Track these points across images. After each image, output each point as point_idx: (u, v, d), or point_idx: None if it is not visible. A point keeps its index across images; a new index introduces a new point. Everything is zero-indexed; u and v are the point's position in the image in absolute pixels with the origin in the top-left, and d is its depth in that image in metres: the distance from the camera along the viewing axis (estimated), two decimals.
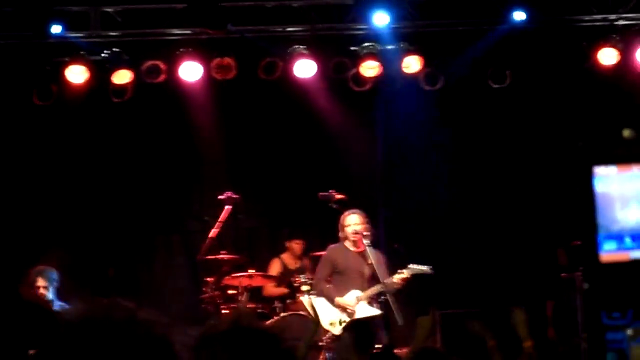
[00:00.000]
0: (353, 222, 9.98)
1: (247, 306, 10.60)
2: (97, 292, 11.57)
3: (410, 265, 9.83)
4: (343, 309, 9.86)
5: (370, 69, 11.43)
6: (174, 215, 12.57)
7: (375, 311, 9.88)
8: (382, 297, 9.92)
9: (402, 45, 11.46)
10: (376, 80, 11.56)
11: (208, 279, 10.82)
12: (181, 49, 11.32)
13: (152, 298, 11.67)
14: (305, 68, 11.40)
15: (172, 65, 11.33)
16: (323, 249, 10.47)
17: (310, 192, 11.07)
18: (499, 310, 11.46)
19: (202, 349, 2.41)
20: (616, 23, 11.44)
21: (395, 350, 9.76)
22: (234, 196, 11.07)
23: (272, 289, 11.32)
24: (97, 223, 12.19)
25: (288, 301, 10.82)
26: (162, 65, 11.30)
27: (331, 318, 9.86)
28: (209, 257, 10.83)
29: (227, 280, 10.74)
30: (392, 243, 10.49)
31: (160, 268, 12.53)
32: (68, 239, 11.91)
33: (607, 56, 11.34)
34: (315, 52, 11.39)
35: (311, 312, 10.02)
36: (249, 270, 10.76)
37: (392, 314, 9.61)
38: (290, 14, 11.45)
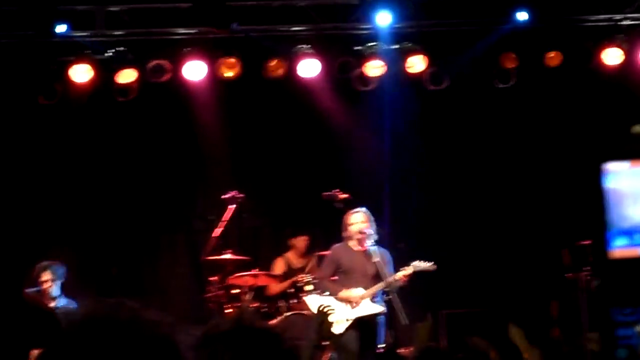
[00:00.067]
0: (357, 220, 9.99)
1: (251, 305, 10.61)
2: (101, 291, 11.59)
3: (414, 262, 9.87)
4: (347, 302, 9.87)
5: (375, 68, 11.43)
6: (178, 214, 12.58)
7: (378, 308, 9.89)
8: (387, 297, 9.93)
9: (406, 44, 11.46)
10: (381, 79, 11.56)
11: (212, 279, 10.82)
12: (186, 49, 11.32)
13: (156, 297, 11.69)
14: (309, 67, 11.40)
15: (177, 64, 11.33)
16: (327, 249, 10.47)
17: (315, 191, 11.07)
18: (504, 310, 11.45)
19: (204, 348, 2.41)
20: (621, 23, 11.43)
21: (400, 350, 9.77)
22: (238, 195, 11.08)
23: (275, 286, 11.31)
24: (101, 222, 12.20)
25: (292, 301, 10.81)
26: (167, 65, 11.30)
27: (334, 316, 9.85)
28: (213, 257, 10.83)
29: (232, 280, 10.74)
30: (396, 242, 10.48)
31: (165, 267, 12.52)
32: (72, 238, 11.91)
33: (612, 56, 11.33)
34: (320, 52, 11.39)
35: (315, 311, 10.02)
36: (254, 270, 10.76)
37: (396, 313, 9.62)
38: (295, 14, 11.45)
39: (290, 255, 11.72)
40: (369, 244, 9.90)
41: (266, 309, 10.79)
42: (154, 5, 11.32)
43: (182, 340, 2.04)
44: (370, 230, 9.94)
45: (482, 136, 12.47)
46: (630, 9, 11.38)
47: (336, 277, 10.11)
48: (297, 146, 12.51)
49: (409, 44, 11.45)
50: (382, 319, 9.96)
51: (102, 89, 11.41)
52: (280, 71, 11.44)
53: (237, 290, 10.78)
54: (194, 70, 11.36)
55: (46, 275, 9.96)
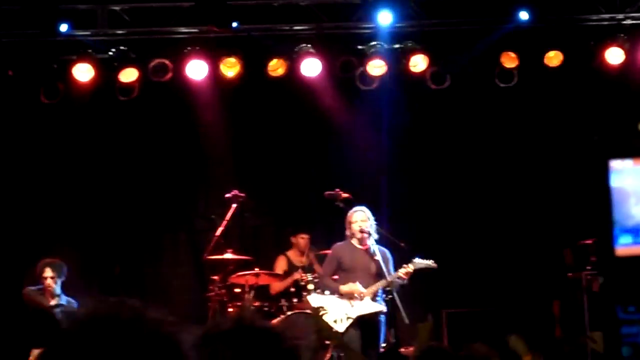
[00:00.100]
0: (359, 219, 10.03)
1: (253, 304, 10.61)
2: (103, 289, 11.61)
3: (415, 260, 9.91)
4: (350, 297, 9.89)
5: (376, 67, 11.42)
6: (180, 213, 12.58)
7: (379, 307, 9.91)
8: (388, 296, 9.94)
9: (408, 44, 11.46)
10: (382, 79, 11.55)
11: (214, 277, 10.83)
12: (188, 48, 11.32)
13: (158, 296, 11.69)
14: (311, 67, 11.40)
15: (179, 63, 11.33)
16: (329, 248, 10.49)
17: (317, 190, 11.07)
18: (505, 310, 11.46)
19: (205, 347, 2.41)
20: (624, 22, 11.42)
21: (402, 349, 9.78)
22: (240, 195, 11.09)
23: (277, 285, 11.32)
24: (103, 221, 12.21)
25: (294, 300, 10.82)
26: (168, 64, 11.30)
27: (336, 315, 9.87)
28: (215, 256, 10.84)
29: (233, 279, 10.75)
30: (398, 241, 10.49)
31: (167, 266, 12.53)
32: (75, 236, 11.93)
33: (615, 55, 11.32)
34: (322, 51, 11.39)
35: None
36: (255, 269, 10.77)
37: (398, 313, 9.63)
38: (297, 13, 11.46)
39: (291, 253, 11.73)
40: (371, 242, 9.93)
41: (268, 308, 10.80)
42: (155, 5, 11.33)
43: (184, 339, 2.04)
44: (372, 228, 9.98)
45: (484, 135, 12.47)
46: (632, 8, 11.37)
47: (337, 277, 10.14)
48: (298, 145, 12.51)
49: (411, 44, 11.45)
50: (383, 318, 9.98)
51: (104, 88, 11.41)
52: (282, 70, 11.44)
53: (239, 290, 10.79)
54: (196, 70, 11.36)
55: (48, 273, 9.98)
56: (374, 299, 9.95)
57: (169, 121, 12.30)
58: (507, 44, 11.37)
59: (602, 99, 11.71)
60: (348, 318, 9.89)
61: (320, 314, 9.65)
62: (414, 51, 11.42)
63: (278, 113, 12.40)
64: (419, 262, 9.91)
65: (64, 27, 10.91)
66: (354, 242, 10.08)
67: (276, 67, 11.42)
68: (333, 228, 11.00)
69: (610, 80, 11.46)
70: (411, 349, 9.68)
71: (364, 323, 9.87)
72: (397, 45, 11.48)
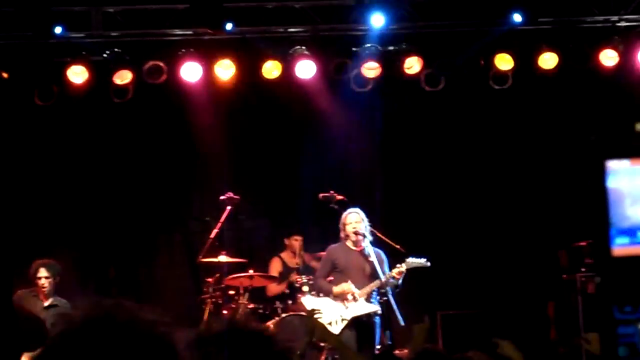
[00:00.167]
0: (353, 220, 10.06)
1: (248, 306, 10.61)
2: (98, 291, 11.59)
3: (407, 259, 9.93)
4: (343, 298, 9.90)
5: (371, 69, 11.42)
6: (175, 215, 12.57)
7: (373, 307, 9.92)
8: (383, 298, 9.95)
9: (402, 46, 11.46)
10: (377, 81, 11.55)
11: (209, 280, 10.82)
12: (182, 50, 11.31)
13: (153, 298, 11.68)
14: (305, 69, 11.40)
15: (173, 65, 11.32)
16: (323, 250, 10.50)
17: (311, 192, 11.07)
18: (500, 312, 11.46)
19: (197, 349, 2.41)
20: (618, 24, 11.44)
21: (396, 351, 9.78)
22: (235, 197, 11.08)
23: (274, 287, 11.33)
24: (98, 222, 12.19)
25: (289, 302, 10.82)
26: (163, 66, 11.29)
27: (330, 317, 9.87)
28: (209, 258, 10.83)
29: (228, 281, 10.74)
30: (392, 243, 10.49)
31: (161, 268, 12.52)
32: (69, 237, 11.91)
33: (609, 57, 11.33)
34: (316, 53, 11.39)
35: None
36: (250, 271, 10.77)
37: (393, 314, 9.63)
38: (291, 15, 11.45)
39: (285, 255, 11.74)
40: (365, 244, 9.95)
41: (262, 310, 10.80)
42: (150, 7, 11.31)
43: (179, 340, 2.04)
44: (366, 230, 10.00)
45: (479, 137, 12.47)
46: (626, 10, 11.38)
47: (332, 278, 10.15)
48: (292, 147, 12.50)
49: (405, 46, 11.45)
50: (377, 319, 9.98)
51: (99, 90, 11.40)
52: (276, 72, 11.44)
53: (233, 292, 10.79)
54: (190, 72, 11.36)
55: (42, 273, 9.98)
56: (368, 299, 9.97)
57: (163, 123, 12.29)
58: (501, 45, 11.38)
59: (598, 100, 11.72)
60: (343, 320, 9.90)
61: (315, 316, 9.64)
62: (408, 53, 11.43)
63: (272, 115, 12.40)
64: (412, 261, 9.95)
65: (58, 29, 10.89)
66: (349, 243, 10.11)
67: (272, 69, 11.42)
68: (327, 230, 10.99)
69: (605, 81, 11.47)
70: (406, 350, 9.68)
71: (359, 324, 9.89)
72: (391, 47, 11.49)
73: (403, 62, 11.43)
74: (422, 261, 9.98)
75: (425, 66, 11.45)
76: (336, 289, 9.97)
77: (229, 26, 10.95)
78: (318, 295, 10.14)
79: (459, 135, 12.47)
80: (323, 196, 10.64)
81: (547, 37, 11.42)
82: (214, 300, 10.69)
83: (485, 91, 11.75)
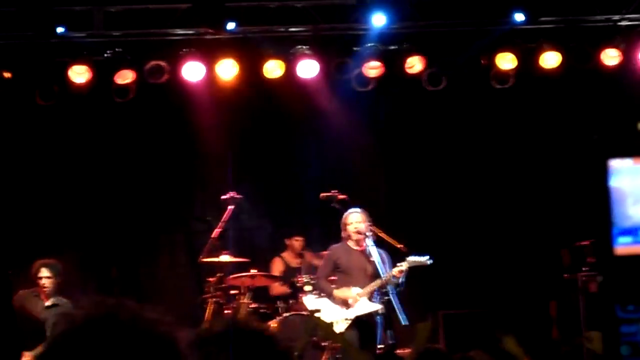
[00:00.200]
0: (355, 220, 10.05)
1: (250, 306, 10.61)
2: (100, 290, 11.59)
3: (408, 258, 9.91)
4: (343, 302, 9.90)
5: (373, 69, 11.42)
6: (176, 215, 12.57)
7: (376, 306, 9.92)
8: (386, 297, 9.94)
9: (404, 45, 11.46)
10: (379, 80, 11.55)
11: (210, 279, 10.82)
12: (184, 49, 11.31)
13: (155, 298, 11.68)
14: (308, 68, 11.40)
15: (175, 65, 11.32)
16: (325, 249, 10.50)
17: (313, 192, 11.06)
18: (502, 311, 11.46)
19: (198, 349, 2.41)
20: (620, 24, 11.43)
21: (399, 351, 9.77)
22: (237, 196, 11.07)
23: (278, 288, 11.34)
24: (100, 222, 12.20)
25: (291, 301, 10.82)
26: (165, 66, 11.29)
27: (332, 317, 9.87)
28: (212, 257, 10.82)
29: (230, 281, 10.74)
30: (395, 243, 10.48)
31: (163, 268, 12.52)
32: (71, 237, 11.92)
33: (611, 57, 11.33)
34: (318, 53, 11.39)
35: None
36: (252, 270, 10.77)
37: (395, 314, 9.62)
38: (293, 14, 11.45)
39: (287, 255, 11.77)
40: (368, 243, 9.94)
41: (265, 310, 10.80)
42: (151, 6, 11.30)
43: (181, 339, 2.04)
44: (368, 229, 9.99)
45: (481, 136, 12.47)
46: (628, 9, 11.38)
47: (334, 277, 10.15)
48: (295, 147, 12.51)
49: (407, 45, 11.45)
50: (379, 319, 9.98)
51: (100, 90, 11.40)
52: (278, 72, 11.43)
53: (235, 291, 10.78)
54: (192, 71, 11.36)
55: (44, 273, 9.99)
56: (370, 299, 9.97)
57: (165, 123, 12.29)
58: (503, 45, 11.37)
59: (600, 99, 11.71)
60: (346, 319, 9.90)
61: (316, 315, 9.66)
62: (410, 52, 11.43)
63: (274, 114, 12.39)
64: (413, 259, 9.93)
65: (59, 29, 10.89)
66: (350, 243, 10.11)
67: (274, 69, 11.42)
68: (329, 229, 10.99)
69: (607, 80, 11.46)
70: (408, 350, 9.67)
71: (361, 323, 9.89)
72: (393, 47, 11.49)
73: (405, 62, 11.42)
74: (423, 259, 9.96)
75: (427, 65, 11.45)
76: (337, 293, 9.95)
77: (230, 26, 10.96)
78: (320, 296, 10.14)
79: (461, 135, 12.46)
80: (325, 195, 10.63)
81: (549, 37, 11.42)
82: (215, 300, 10.68)
83: (487, 90, 11.75)
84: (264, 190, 12.52)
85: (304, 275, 10.68)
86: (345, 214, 10.18)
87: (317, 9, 11.42)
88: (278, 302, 10.92)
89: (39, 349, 8.84)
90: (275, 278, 11.33)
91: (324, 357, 9.83)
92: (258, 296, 11.06)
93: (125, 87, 11.35)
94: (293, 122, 12.41)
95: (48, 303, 9.98)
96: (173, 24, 11.30)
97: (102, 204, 12.22)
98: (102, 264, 12.13)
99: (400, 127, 12.51)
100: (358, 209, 10.16)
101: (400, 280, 9.88)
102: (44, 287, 9.97)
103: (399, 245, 10.36)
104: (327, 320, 9.76)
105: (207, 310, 10.66)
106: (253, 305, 10.68)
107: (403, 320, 9.52)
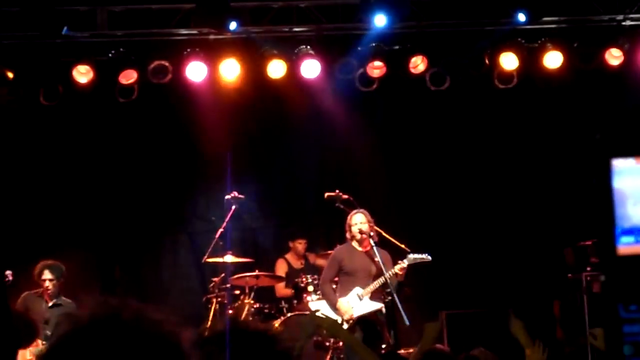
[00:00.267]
0: (359, 221, 10.04)
1: (254, 306, 10.62)
2: (103, 291, 11.60)
3: (409, 255, 9.92)
4: (344, 312, 9.90)
5: (376, 69, 11.42)
6: (180, 215, 12.58)
7: (378, 305, 9.92)
8: (388, 297, 9.94)
9: (408, 45, 11.46)
10: (382, 80, 11.55)
11: (214, 279, 10.83)
12: (187, 50, 11.31)
13: (158, 298, 11.69)
14: (311, 68, 11.39)
15: (178, 65, 11.32)
16: (329, 250, 10.50)
17: (317, 192, 11.06)
18: (505, 311, 11.44)
19: (199, 349, 2.41)
20: (623, 23, 11.42)
21: (401, 351, 9.77)
22: (240, 196, 11.07)
23: (283, 289, 11.36)
24: (103, 223, 12.20)
25: (294, 301, 10.83)
26: (168, 66, 11.30)
27: (335, 317, 9.86)
28: (215, 258, 10.83)
29: (233, 281, 10.75)
30: (397, 242, 10.48)
31: (167, 268, 12.53)
32: (74, 238, 11.92)
33: (614, 56, 11.32)
34: (322, 53, 11.39)
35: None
36: (255, 270, 10.77)
37: (398, 314, 9.62)
38: (296, 15, 11.45)
39: (290, 256, 11.78)
40: (371, 243, 9.93)
41: (268, 310, 10.80)
42: (155, 6, 11.31)
43: (185, 339, 2.04)
44: (371, 230, 9.99)
45: (484, 136, 12.47)
46: (632, 9, 11.37)
47: (336, 278, 10.14)
48: (298, 147, 12.50)
49: (410, 45, 11.44)
50: (382, 318, 9.98)
51: (104, 90, 11.40)
52: (281, 72, 11.43)
53: (239, 291, 10.80)
54: (195, 71, 11.36)
55: (47, 275, 10.00)
56: (372, 298, 9.97)
57: (168, 123, 12.29)
58: (506, 45, 11.37)
59: (603, 98, 11.70)
60: (349, 319, 9.89)
61: (318, 314, 9.64)
62: (413, 52, 11.42)
63: (277, 114, 12.39)
64: (413, 257, 9.95)
65: (63, 29, 10.90)
66: (354, 244, 10.10)
67: (277, 69, 11.41)
68: (333, 230, 11.00)
69: (610, 80, 11.45)
70: (411, 350, 9.68)
71: (364, 323, 9.88)
72: (396, 47, 11.48)
73: (408, 62, 11.42)
74: (423, 256, 9.97)
75: (430, 65, 11.44)
76: (339, 306, 9.94)
77: (233, 26, 10.96)
78: (322, 298, 10.15)
79: (464, 134, 12.46)
80: (329, 195, 10.63)
81: (552, 36, 11.41)
82: (219, 299, 10.69)
83: (490, 90, 11.74)
84: (267, 190, 12.52)
85: (307, 276, 10.70)
86: (349, 215, 10.17)
87: (320, 9, 11.42)
88: (282, 302, 10.92)
89: (38, 347, 8.87)
90: (278, 278, 11.34)
91: (327, 357, 9.83)
92: (262, 296, 11.06)
93: (128, 87, 11.35)
94: (296, 122, 12.40)
95: (51, 304, 10.00)
96: (176, 24, 11.30)
97: (105, 203, 12.23)
98: (105, 264, 12.14)
99: (404, 127, 12.51)
100: (361, 210, 10.16)
101: (402, 279, 9.88)
102: (47, 290, 9.98)
103: (402, 246, 10.37)
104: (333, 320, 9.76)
105: (211, 310, 10.68)
106: (256, 306, 10.69)
107: (406, 320, 9.52)
